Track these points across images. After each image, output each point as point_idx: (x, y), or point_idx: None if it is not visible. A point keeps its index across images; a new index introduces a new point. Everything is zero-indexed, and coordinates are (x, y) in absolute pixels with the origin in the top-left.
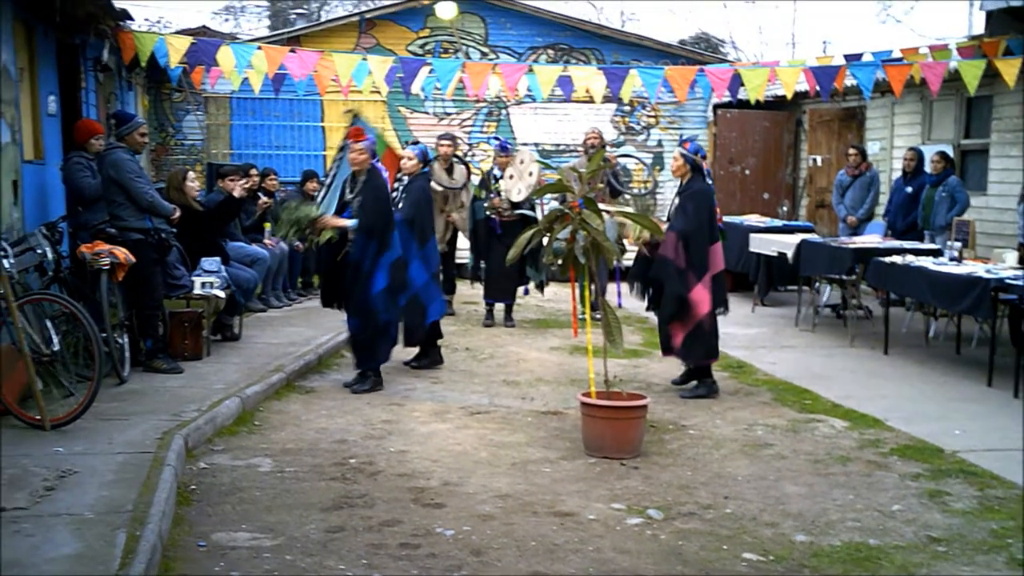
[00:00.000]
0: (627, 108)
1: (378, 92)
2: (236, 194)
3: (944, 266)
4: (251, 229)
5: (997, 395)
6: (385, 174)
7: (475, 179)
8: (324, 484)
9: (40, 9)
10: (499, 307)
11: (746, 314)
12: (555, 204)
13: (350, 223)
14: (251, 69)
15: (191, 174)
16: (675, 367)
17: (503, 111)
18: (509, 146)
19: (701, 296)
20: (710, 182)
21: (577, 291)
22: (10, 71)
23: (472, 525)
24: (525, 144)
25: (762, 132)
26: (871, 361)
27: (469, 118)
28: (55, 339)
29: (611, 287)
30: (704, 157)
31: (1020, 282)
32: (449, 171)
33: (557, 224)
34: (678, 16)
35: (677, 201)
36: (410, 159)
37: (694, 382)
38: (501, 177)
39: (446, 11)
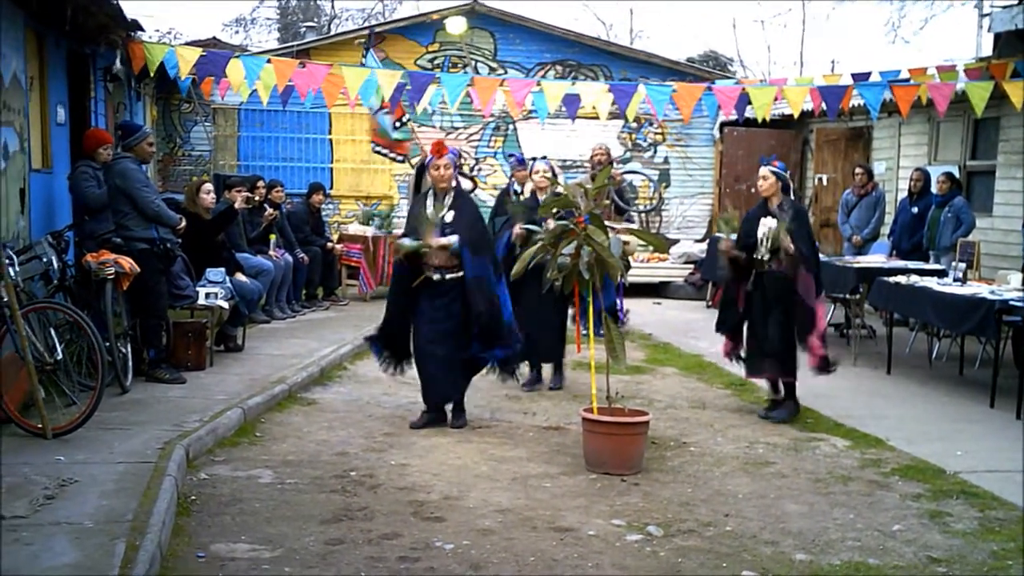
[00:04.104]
0: (634, 125)
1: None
2: (236, 205)
3: (948, 287)
4: (256, 240)
5: (999, 416)
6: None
7: (485, 195)
8: (324, 496)
9: (51, 19)
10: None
11: None
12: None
13: (453, 240)
14: (260, 81)
15: (207, 186)
16: (675, 383)
17: (510, 126)
18: (526, 159)
19: (822, 315)
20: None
21: (581, 307)
22: (20, 80)
23: (472, 539)
24: (543, 157)
25: (768, 151)
26: (873, 381)
27: (476, 132)
28: (58, 347)
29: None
30: (790, 176)
31: None
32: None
33: (562, 240)
34: (687, 34)
35: (774, 224)
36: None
37: (783, 405)
38: (521, 192)
39: (456, 26)
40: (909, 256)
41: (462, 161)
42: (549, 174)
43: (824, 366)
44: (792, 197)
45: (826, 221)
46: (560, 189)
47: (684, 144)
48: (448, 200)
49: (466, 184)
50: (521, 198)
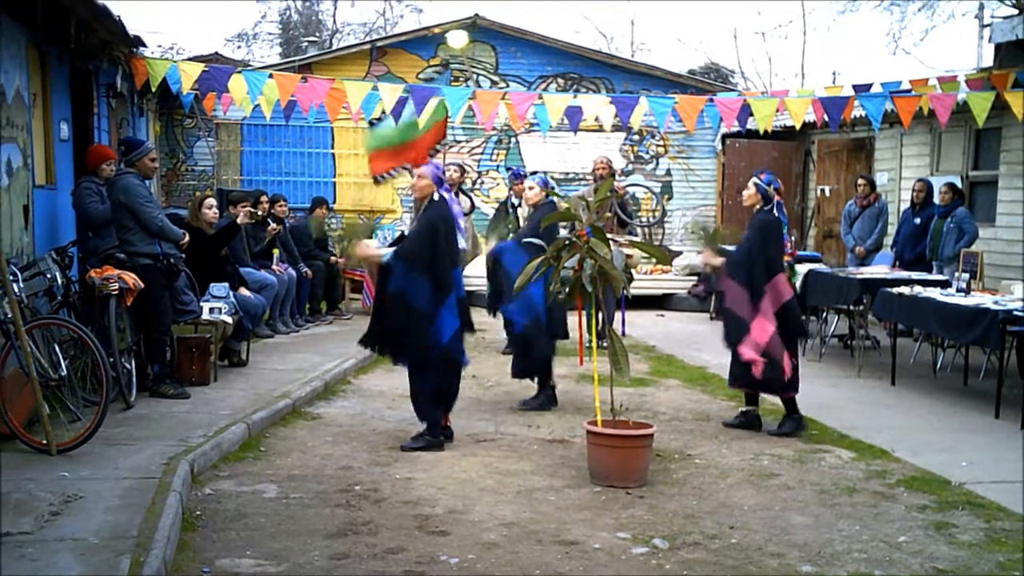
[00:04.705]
0: (636, 137)
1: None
2: (239, 220)
3: (952, 297)
4: (260, 255)
5: (1004, 427)
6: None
7: (486, 208)
8: (329, 511)
9: (54, 35)
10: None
11: None
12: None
13: (385, 253)
14: (262, 96)
15: (210, 200)
16: (679, 395)
17: (512, 139)
18: (523, 173)
19: (760, 327)
20: (777, 214)
21: (584, 319)
22: (23, 96)
23: (477, 553)
24: (535, 172)
25: (771, 162)
26: (878, 392)
27: (479, 146)
28: (63, 364)
29: (616, 315)
30: (778, 189)
31: None
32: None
33: (565, 253)
34: (688, 46)
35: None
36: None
37: (781, 420)
38: (519, 204)
39: (457, 40)
40: (912, 267)
41: (464, 178)
42: (536, 189)
43: (760, 384)
44: (774, 210)
45: (829, 232)
46: (554, 199)
47: (686, 156)
48: (421, 210)
49: (464, 203)
50: (519, 211)
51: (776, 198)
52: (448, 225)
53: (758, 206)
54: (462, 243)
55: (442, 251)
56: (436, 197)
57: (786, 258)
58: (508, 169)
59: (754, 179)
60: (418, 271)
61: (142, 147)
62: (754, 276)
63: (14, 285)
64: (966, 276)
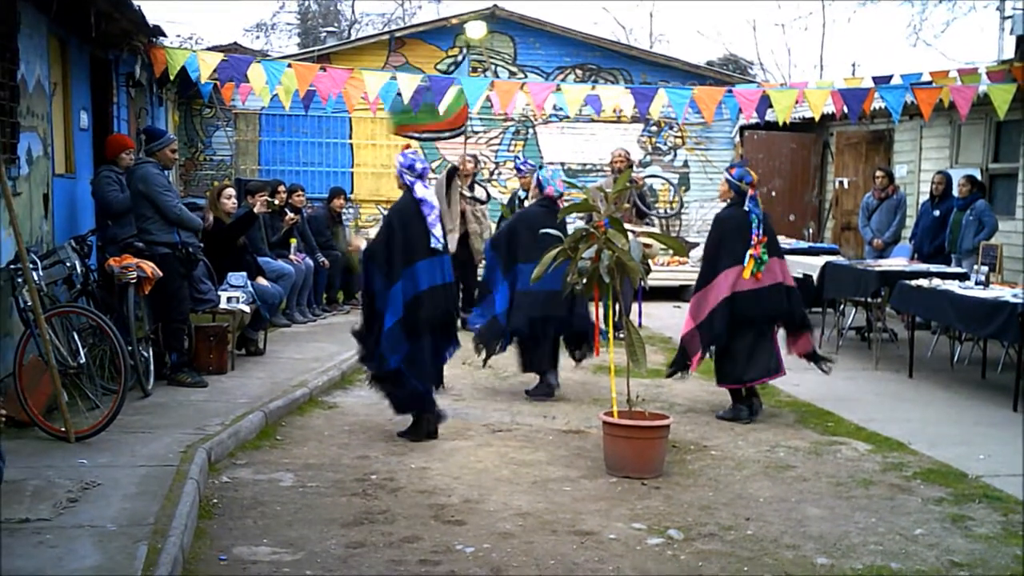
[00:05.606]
0: (654, 128)
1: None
2: (256, 210)
3: (971, 290)
4: (277, 245)
5: (1022, 420)
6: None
7: (504, 199)
8: (345, 500)
9: (74, 25)
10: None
11: None
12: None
13: (360, 244)
14: (281, 86)
15: (230, 190)
16: (697, 388)
17: (530, 130)
18: (524, 167)
19: (686, 320)
20: (749, 207)
21: (601, 310)
22: (43, 85)
23: (492, 543)
24: (551, 163)
25: (789, 154)
26: (895, 384)
27: (496, 137)
28: (82, 351)
29: (633, 306)
30: (750, 183)
31: None
32: (470, 190)
33: (583, 243)
34: (707, 38)
35: None
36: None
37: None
38: (526, 197)
39: (476, 30)
40: (931, 259)
41: (479, 169)
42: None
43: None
44: (746, 204)
45: (847, 224)
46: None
47: (704, 148)
48: None
49: (480, 193)
50: (526, 203)
51: (750, 191)
52: (403, 217)
53: (728, 201)
54: (437, 234)
55: (395, 245)
56: (404, 187)
57: (751, 251)
58: (515, 159)
59: (725, 174)
60: (370, 263)
61: (164, 137)
62: (700, 274)
63: (34, 273)
64: (985, 269)
